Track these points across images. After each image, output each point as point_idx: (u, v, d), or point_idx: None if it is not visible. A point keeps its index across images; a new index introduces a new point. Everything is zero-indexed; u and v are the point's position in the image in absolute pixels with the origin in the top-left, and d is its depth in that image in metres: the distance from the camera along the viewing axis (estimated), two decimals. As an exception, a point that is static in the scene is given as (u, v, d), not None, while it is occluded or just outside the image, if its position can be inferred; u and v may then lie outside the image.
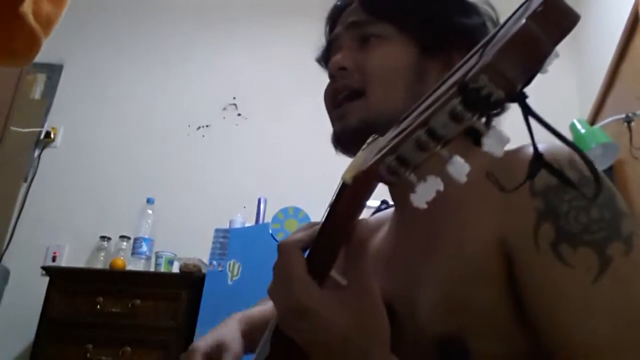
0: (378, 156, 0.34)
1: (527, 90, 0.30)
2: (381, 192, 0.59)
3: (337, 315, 0.44)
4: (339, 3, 0.75)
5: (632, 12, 2.03)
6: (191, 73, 3.20)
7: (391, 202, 0.74)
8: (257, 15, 3.31)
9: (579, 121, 2.03)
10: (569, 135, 1.86)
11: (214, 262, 2.28)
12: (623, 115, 1.88)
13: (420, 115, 0.32)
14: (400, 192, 0.69)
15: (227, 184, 2.88)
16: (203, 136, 3.06)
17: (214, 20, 3.33)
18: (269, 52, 3.21)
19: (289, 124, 3.02)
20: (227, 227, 2.52)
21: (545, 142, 0.45)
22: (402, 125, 0.35)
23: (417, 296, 0.57)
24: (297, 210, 2.30)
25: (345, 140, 0.67)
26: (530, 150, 0.32)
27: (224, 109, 3.12)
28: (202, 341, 0.74)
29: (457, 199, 0.58)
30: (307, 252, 0.48)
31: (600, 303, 0.47)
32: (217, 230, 2.39)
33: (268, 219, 2.41)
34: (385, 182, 0.34)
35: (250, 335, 0.78)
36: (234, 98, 3.13)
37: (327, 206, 0.47)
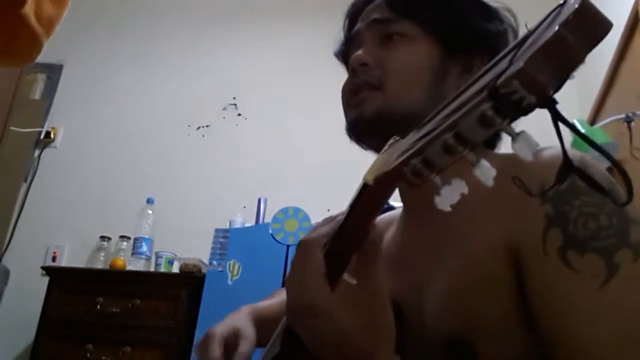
0: (403, 157, 0.34)
1: None
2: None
3: (345, 316, 0.45)
4: None
5: (632, 12, 2.03)
6: (191, 73, 3.20)
7: (392, 203, 0.74)
8: (257, 15, 3.31)
9: (579, 121, 2.03)
10: (569, 136, 1.86)
11: (214, 262, 2.28)
12: (623, 115, 1.87)
13: (446, 118, 0.32)
14: (410, 193, 0.68)
15: (227, 184, 2.88)
16: (203, 136, 3.06)
17: (214, 20, 3.33)
18: (269, 52, 3.21)
19: (289, 124, 3.02)
20: (227, 227, 2.52)
21: (546, 145, 0.44)
22: (427, 128, 0.35)
23: (425, 297, 0.57)
24: (297, 210, 2.30)
25: (359, 129, 0.66)
26: (548, 153, 0.31)
27: (224, 109, 3.12)
28: (219, 327, 0.73)
29: (466, 201, 0.58)
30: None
31: (606, 310, 0.47)
32: (217, 230, 2.39)
33: (268, 219, 2.41)
34: (409, 184, 0.34)
35: (259, 328, 0.77)
36: (234, 98, 3.13)
37: (346, 206, 0.46)
